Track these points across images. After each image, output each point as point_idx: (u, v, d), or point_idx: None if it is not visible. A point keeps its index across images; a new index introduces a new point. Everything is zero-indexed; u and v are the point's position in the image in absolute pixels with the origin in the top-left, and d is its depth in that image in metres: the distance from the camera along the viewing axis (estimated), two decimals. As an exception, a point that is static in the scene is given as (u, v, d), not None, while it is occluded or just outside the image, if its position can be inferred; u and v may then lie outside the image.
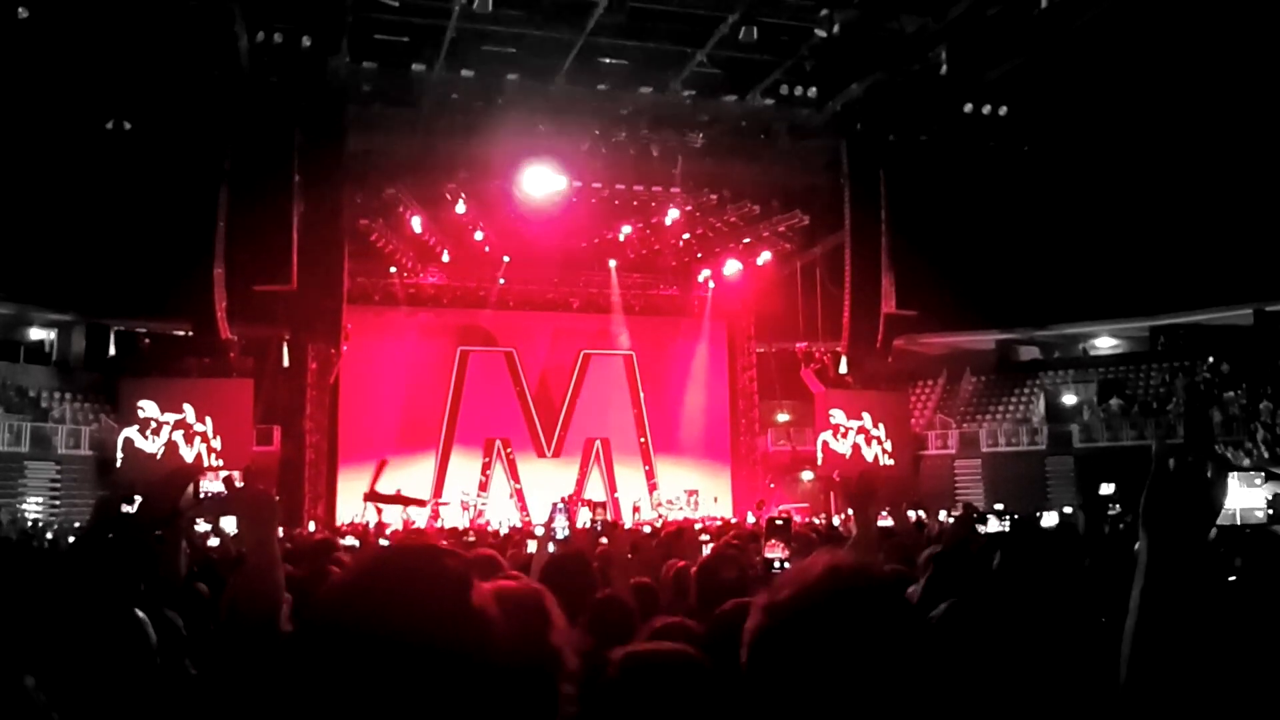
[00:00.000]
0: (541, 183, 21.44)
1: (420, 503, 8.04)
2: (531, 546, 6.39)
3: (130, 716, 1.91)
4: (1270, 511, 2.74)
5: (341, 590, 1.30)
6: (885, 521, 7.22)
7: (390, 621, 1.22)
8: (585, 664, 1.91)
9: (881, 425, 27.93)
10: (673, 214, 24.38)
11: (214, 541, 7.83)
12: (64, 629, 2.13)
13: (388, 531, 17.91)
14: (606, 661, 1.86)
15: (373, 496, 5.82)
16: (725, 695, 1.73)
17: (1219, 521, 1.51)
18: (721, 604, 3.40)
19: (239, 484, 2.87)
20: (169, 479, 3.02)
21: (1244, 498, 2.60)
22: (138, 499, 2.83)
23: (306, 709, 1.26)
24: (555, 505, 6.04)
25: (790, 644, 1.27)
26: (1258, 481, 2.71)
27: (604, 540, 5.75)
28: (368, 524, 20.16)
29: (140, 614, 2.17)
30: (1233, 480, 2.26)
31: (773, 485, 28.10)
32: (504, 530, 17.57)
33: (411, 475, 25.89)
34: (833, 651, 1.24)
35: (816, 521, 16.96)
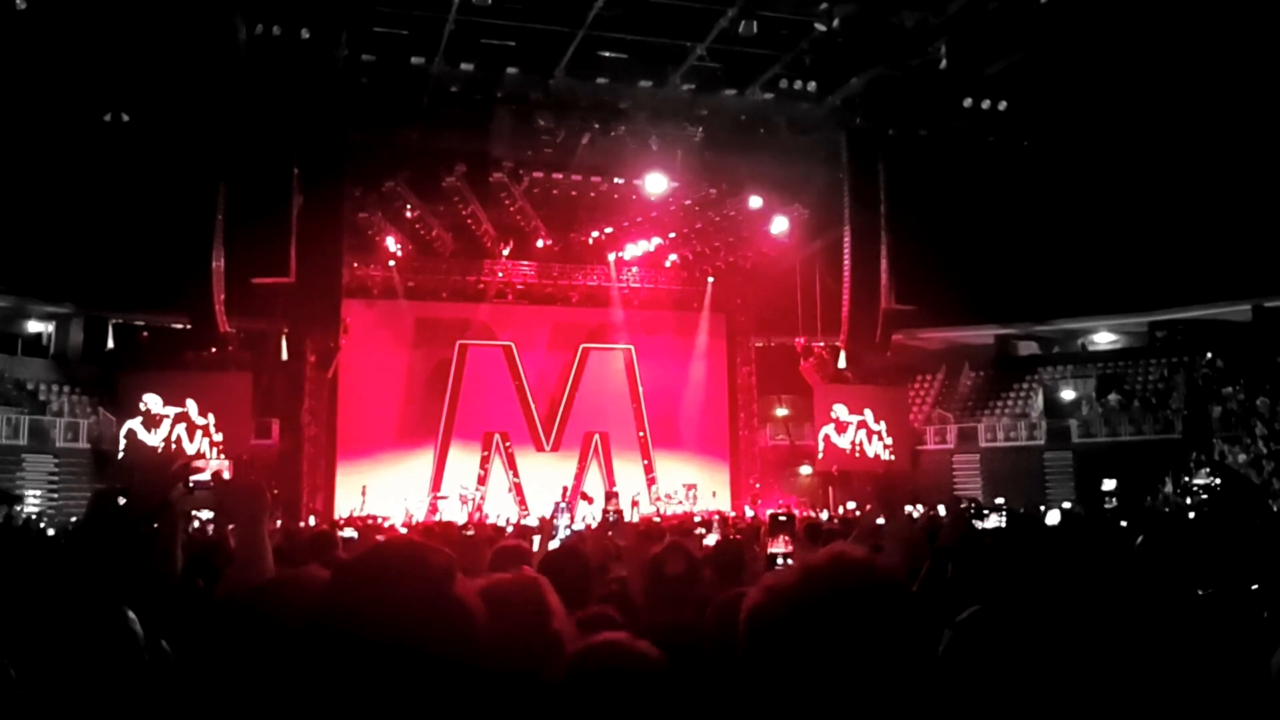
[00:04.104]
0: None
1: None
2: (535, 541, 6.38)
3: (115, 712, 1.90)
4: None
5: (328, 589, 1.31)
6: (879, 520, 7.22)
7: (374, 617, 1.23)
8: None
9: (883, 421, 27.93)
10: (672, 208, 24.35)
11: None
12: (50, 622, 2.12)
13: (386, 525, 17.96)
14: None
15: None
16: (682, 698, 1.71)
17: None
18: (666, 597, 3.38)
19: (227, 475, 2.86)
20: (158, 471, 3.01)
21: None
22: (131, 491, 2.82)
23: (298, 704, 1.27)
24: (557, 504, 6.05)
25: (789, 623, 1.26)
26: None
27: (609, 535, 5.74)
28: (367, 516, 20.22)
29: (127, 609, 2.16)
30: None
31: (758, 485, 28.12)
32: (500, 523, 17.56)
33: (410, 468, 25.95)
34: (830, 635, 1.23)
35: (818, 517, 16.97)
